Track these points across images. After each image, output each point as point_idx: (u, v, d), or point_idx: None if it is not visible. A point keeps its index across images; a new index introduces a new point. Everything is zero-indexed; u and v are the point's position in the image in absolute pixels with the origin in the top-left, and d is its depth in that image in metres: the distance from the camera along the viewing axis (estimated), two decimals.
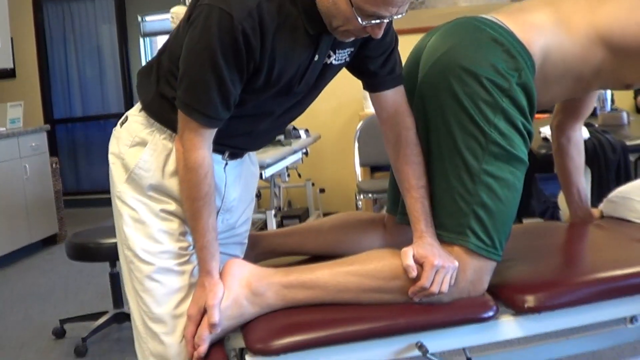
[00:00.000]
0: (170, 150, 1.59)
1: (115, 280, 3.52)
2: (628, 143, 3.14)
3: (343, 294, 1.58)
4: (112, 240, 3.30)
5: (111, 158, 1.65)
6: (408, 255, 1.56)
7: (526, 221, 4.24)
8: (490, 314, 1.60)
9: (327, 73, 1.58)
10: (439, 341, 1.59)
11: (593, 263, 1.78)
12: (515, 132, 1.61)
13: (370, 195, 5.03)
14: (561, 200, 3.86)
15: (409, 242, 1.92)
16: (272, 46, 1.44)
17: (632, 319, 1.74)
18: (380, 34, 1.44)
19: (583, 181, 2.20)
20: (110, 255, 3.33)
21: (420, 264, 1.55)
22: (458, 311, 1.59)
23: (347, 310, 1.58)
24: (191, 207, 1.52)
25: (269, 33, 1.43)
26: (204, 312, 1.53)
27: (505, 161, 1.60)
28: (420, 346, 1.56)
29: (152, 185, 1.58)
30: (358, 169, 5.39)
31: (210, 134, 1.51)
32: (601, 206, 2.25)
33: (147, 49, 8.61)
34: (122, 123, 1.67)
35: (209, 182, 1.51)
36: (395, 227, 1.93)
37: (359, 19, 1.40)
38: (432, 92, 1.65)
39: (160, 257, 1.57)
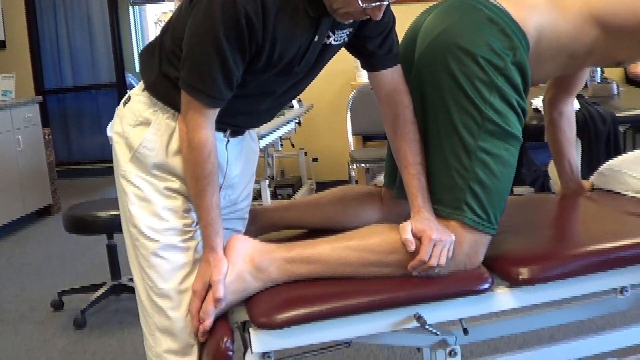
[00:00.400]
0: (173, 129, 1.62)
1: (113, 252, 3.56)
2: (618, 114, 3.19)
3: (344, 267, 1.63)
4: (110, 213, 3.34)
5: (115, 137, 1.68)
6: (406, 229, 1.60)
7: (517, 190, 4.31)
8: (486, 286, 1.65)
9: (326, 53, 1.62)
10: (436, 313, 1.64)
11: (584, 235, 1.83)
12: (510, 109, 1.65)
13: (363, 164, 5.08)
14: (552, 169, 3.92)
15: (406, 215, 1.97)
16: (274, 28, 1.47)
17: (622, 290, 1.80)
18: (380, 15, 1.47)
19: (574, 154, 2.25)
20: (108, 227, 3.38)
21: (418, 238, 1.59)
22: (455, 284, 1.64)
23: (347, 284, 1.63)
24: (195, 185, 1.56)
25: (271, 15, 1.46)
26: (208, 287, 1.57)
27: (501, 138, 1.64)
28: (419, 317, 1.61)
29: (156, 164, 1.62)
30: (350, 138, 5.43)
31: (214, 113, 1.54)
32: (592, 178, 2.29)
33: (137, 18, 8.54)
34: (125, 103, 1.70)
35: (212, 160, 1.55)
36: (392, 201, 1.97)
37: (359, 1, 1.43)
38: (429, 70, 1.69)
39: (165, 234, 1.61)
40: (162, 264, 1.61)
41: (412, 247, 1.59)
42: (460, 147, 1.64)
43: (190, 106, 1.52)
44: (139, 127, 1.64)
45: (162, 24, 5.80)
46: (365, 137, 5.76)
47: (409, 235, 1.59)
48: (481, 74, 1.63)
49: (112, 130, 1.70)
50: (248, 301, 1.63)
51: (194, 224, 1.65)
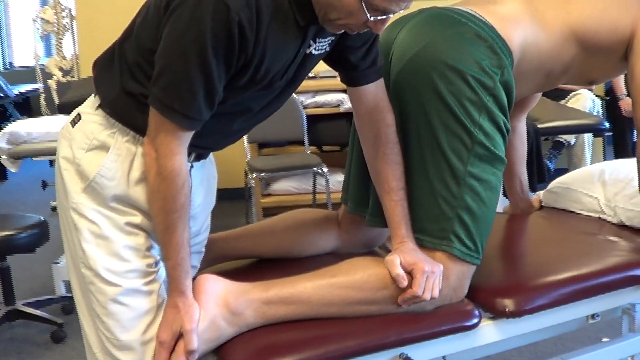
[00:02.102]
0: (134, 154, 1.40)
1: (6, 275, 3.21)
2: (540, 126, 3.20)
3: (327, 308, 1.48)
4: (2, 233, 3.01)
5: (62, 163, 1.44)
6: (396, 263, 1.47)
7: None
8: (475, 321, 1.56)
9: (306, 64, 1.44)
10: (422, 350, 1.53)
11: (561, 262, 1.76)
12: (498, 131, 1.56)
13: (263, 174, 4.91)
14: None
15: (366, 240, 1.86)
16: (265, 40, 1.29)
17: (594, 316, 1.76)
18: (382, 29, 1.33)
19: (525, 172, 2.20)
20: (1, 248, 3.04)
21: (408, 272, 1.47)
22: (444, 321, 1.53)
23: (331, 326, 1.48)
24: (165, 220, 1.35)
25: (264, 25, 1.28)
26: (177, 336, 1.37)
27: (489, 162, 1.55)
28: (406, 358, 1.49)
29: (116, 196, 1.40)
30: (246, 146, 5.24)
31: (188, 137, 1.34)
32: (540, 196, 2.26)
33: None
34: (74, 122, 1.46)
35: (185, 192, 1.35)
36: (352, 226, 1.84)
37: (367, 14, 1.28)
38: (411, 90, 1.56)
39: (127, 277, 1.39)
40: (123, 312, 1.39)
41: (405, 283, 1.46)
42: (448, 172, 1.53)
43: (163, 128, 1.31)
44: (94, 152, 1.41)
45: (42, 21, 5.37)
46: (261, 145, 5.59)
47: (400, 270, 1.46)
48: (470, 93, 1.52)
49: (59, 153, 1.46)
50: (220, 349, 1.44)
51: (156, 263, 1.44)
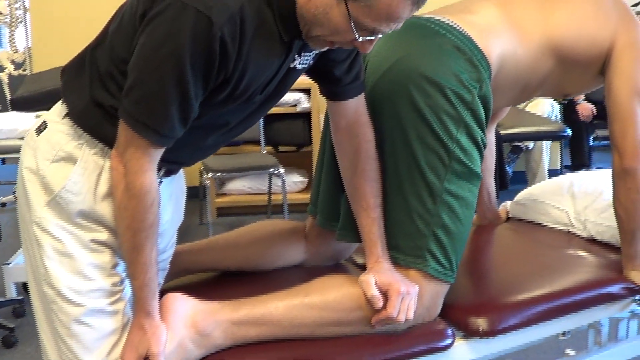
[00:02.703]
0: (101, 168, 1.33)
1: None
2: (502, 132, 3.19)
3: (299, 329, 1.43)
4: None
5: (26, 174, 1.36)
6: (371, 284, 1.43)
7: None
8: (448, 342, 1.52)
9: (289, 78, 1.38)
10: None
11: (533, 277, 1.74)
12: (475, 147, 1.53)
13: (218, 174, 4.83)
14: None
15: (333, 253, 1.82)
16: (247, 56, 1.23)
17: (564, 333, 1.76)
18: (370, 49, 1.27)
19: (493, 183, 2.18)
20: None
21: (383, 292, 1.43)
22: (417, 342, 1.49)
23: (300, 348, 1.43)
24: (132, 238, 1.28)
25: (247, 41, 1.21)
26: (143, 359, 1.31)
27: (466, 179, 1.52)
28: None
29: (82, 212, 1.32)
30: None
31: (159, 153, 1.27)
32: (507, 207, 2.24)
33: None
34: (40, 130, 1.37)
35: (154, 210, 1.28)
36: (319, 239, 1.79)
37: (356, 35, 1.22)
38: (388, 102, 1.52)
39: (91, 297, 1.32)
40: (86, 332, 1.32)
41: (380, 304, 1.42)
42: (424, 188, 1.49)
43: (133, 143, 1.24)
44: (59, 164, 1.33)
45: None
46: None
47: (375, 291, 1.42)
48: (449, 107, 1.48)
49: (22, 163, 1.37)
50: None
51: (121, 281, 1.37)
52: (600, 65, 1.69)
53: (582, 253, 1.88)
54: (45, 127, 1.36)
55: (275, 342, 1.42)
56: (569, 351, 2.20)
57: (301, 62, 1.36)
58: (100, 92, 1.30)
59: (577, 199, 2.05)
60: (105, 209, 1.33)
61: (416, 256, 1.50)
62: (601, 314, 1.76)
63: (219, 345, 1.39)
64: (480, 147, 1.54)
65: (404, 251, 1.51)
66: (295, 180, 4.60)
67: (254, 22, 1.21)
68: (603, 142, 5.54)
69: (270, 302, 1.43)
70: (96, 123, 1.31)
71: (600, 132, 5.39)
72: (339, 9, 1.20)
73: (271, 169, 4.03)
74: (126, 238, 1.29)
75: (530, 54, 1.63)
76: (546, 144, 4.68)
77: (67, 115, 1.35)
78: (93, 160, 1.32)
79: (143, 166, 1.25)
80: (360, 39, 1.23)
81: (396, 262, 1.50)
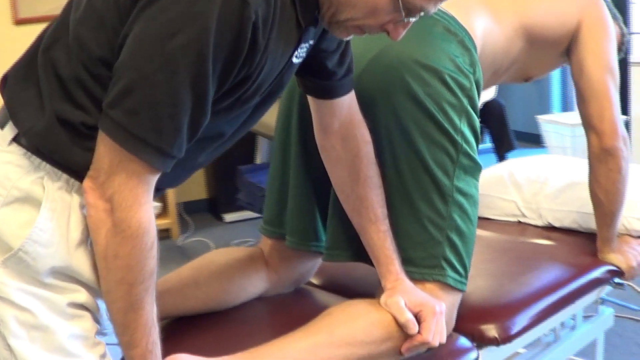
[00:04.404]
0: (69, 207, 1.03)
1: None
2: None
3: None
4: None
5: None
6: (402, 307, 1.24)
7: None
8: (474, 356, 1.37)
9: (286, 75, 1.14)
10: None
11: (521, 275, 1.64)
12: (474, 137, 1.39)
13: None
14: None
15: (297, 277, 1.61)
16: (266, 46, 0.99)
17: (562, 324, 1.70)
18: (402, 34, 1.07)
19: None
20: None
21: (414, 314, 1.25)
22: None
23: None
24: (128, 295, 0.99)
25: (275, 25, 0.98)
26: None
27: (471, 174, 1.38)
28: None
29: (55, 268, 1.01)
30: None
31: (155, 180, 1.00)
32: None
33: None
34: None
35: (154, 254, 1.00)
36: (282, 263, 1.57)
37: (403, 14, 1.02)
38: (380, 95, 1.34)
39: None
40: None
41: (416, 329, 1.24)
42: (433, 189, 1.33)
43: (122, 168, 0.95)
44: (13, 208, 1.00)
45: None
46: None
47: (409, 315, 1.24)
48: (450, 96, 1.33)
49: None
50: None
51: (105, 352, 1.07)
52: (566, 46, 1.63)
53: (550, 242, 1.82)
54: None
55: None
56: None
57: (298, 55, 1.13)
58: (63, 106, 0.98)
59: (522, 188, 1.99)
60: (81, 261, 1.02)
61: (432, 267, 1.33)
62: (588, 300, 1.70)
63: None
64: (478, 137, 1.41)
65: (418, 263, 1.34)
66: None
67: (279, 3, 0.98)
68: None
69: (289, 346, 1.19)
70: (60, 148, 0.99)
71: None
72: None
73: None
74: (118, 296, 1.00)
75: (504, 35, 1.53)
76: None
77: (14, 140, 1.03)
78: (60, 198, 1.02)
79: (139, 198, 0.96)
80: (406, 20, 1.04)
81: (411, 277, 1.33)
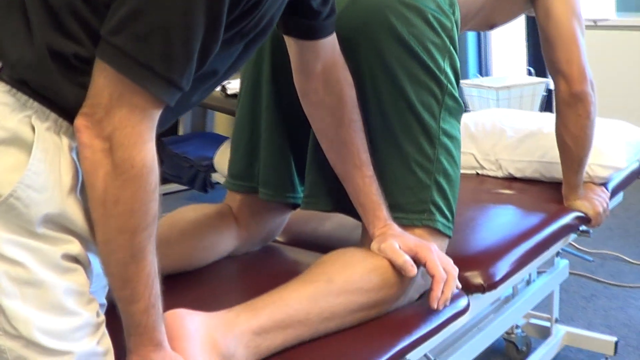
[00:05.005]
0: (60, 149, 0.91)
1: None
2: None
3: (327, 323, 1.13)
4: None
5: None
6: (397, 249, 1.19)
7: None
8: (466, 303, 1.33)
9: (278, 12, 1.05)
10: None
11: (492, 223, 1.64)
12: (456, 78, 1.34)
13: None
14: (219, 161, 3.61)
15: (267, 233, 1.54)
16: None
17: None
18: None
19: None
20: None
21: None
22: (440, 313, 1.27)
23: (330, 347, 1.13)
24: (129, 244, 0.88)
25: None
26: None
27: (455, 116, 1.34)
28: None
29: (49, 216, 0.88)
30: None
31: (158, 116, 0.89)
32: None
33: None
34: None
35: (157, 197, 0.90)
36: (253, 218, 1.48)
37: None
38: (362, 36, 1.27)
39: (77, 338, 0.89)
40: None
41: (415, 271, 1.18)
42: (420, 132, 1.27)
43: (125, 102, 0.84)
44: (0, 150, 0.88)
45: None
46: None
47: (406, 257, 1.18)
48: (433, 36, 1.28)
49: None
50: None
51: (99, 308, 0.96)
52: None
53: (514, 192, 1.81)
54: None
55: (298, 346, 1.11)
56: None
57: None
58: (54, 37, 0.86)
59: (478, 140, 1.96)
60: (74, 208, 0.91)
61: (421, 212, 1.28)
62: (558, 247, 1.70)
63: None
64: (459, 78, 1.36)
65: (407, 208, 1.28)
66: None
67: None
68: None
69: (290, 296, 1.11)
70: (50, 82, 0.87)
71: None
72: None
73: None
74: (119, 245, 0.89)
75: None
76: None
77: None
78: (50, 139, 0.90)
79: (143, 135, 0.86)
80: None
81: (399, 223, 1.27)
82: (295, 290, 1.12)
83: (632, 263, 2.74)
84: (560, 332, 2.10)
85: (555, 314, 2.08)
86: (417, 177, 1.27)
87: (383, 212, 1.25)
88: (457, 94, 1.32)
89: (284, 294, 1.11)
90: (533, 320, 2.17)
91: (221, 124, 4.44)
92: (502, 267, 1.43)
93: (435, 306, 1.16)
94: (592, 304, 2.45)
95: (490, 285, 1.39)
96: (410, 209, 1.28)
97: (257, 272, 1.43)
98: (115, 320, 0.94)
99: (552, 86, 1.87)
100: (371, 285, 1.17)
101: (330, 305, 1.12)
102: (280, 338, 1.08)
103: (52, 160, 0.89)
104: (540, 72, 3.96)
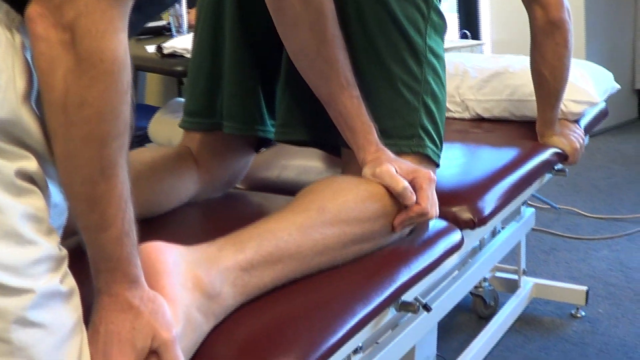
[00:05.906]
0: (13, 47, 0.74)
1: None
2: None
3: (320, 257, 0.99)
4: None
5: None
6: (394, 174, 1.06)
7: None
8: (459, 238, 1.23)
9: None
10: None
11: (472, 162, 1.56)
12: None
13: None
14: (153, 129, 3.43)
15: (230, 176, 1.40)
16: None
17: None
18: None
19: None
20: None
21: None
22: (438, 247, 1.16)
23: (328, 286, 1.00)
24: (98, 156, 0.73)
25: None
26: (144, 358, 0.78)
27: (440, 33, 1.25)
28: (425, 306, 1.13)
29: (2, 122, 0.72)
30: None
31: (130, 4, 0.74)
32: None
33: None
34: None
35: (129, 100, 0.75)
36: (214, 160, 1.34)
37: None
38: None
39: (37, 272, 0.73)
40: (41, 339, 0.72)
41: (414, 198, 1.06)
42: (406, 49, 1.16)
43: None
44: None
45: None
46: None
47: (406, 183, 1.06)
48: None
49: None
50: None
51: (59, 241, 0.80)
52: None
53: (485, 132, 1.72)
54: None
55: (288, 286, 0.97)
56: None
57: None
58: None
59: None
60: (29, 118, 0.75)
61: (410, 137, 1.17)
62: (534, 188, 1.61)
63: (229, 306, 0.89)
64: None
65: (394, 133, 1.17)
66: None
67: None
68: None
69: (278, 227, 0.97)
70: None
71: None
72: None
73: None
74: (85, 159, 0.73)
75: None
76: None
77: None
78: (3, 33, 0.73)
79: (114, 22, 0.71)
80: None
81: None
82: (284, 220, 0.98)
83: (588, 216, 2.70)
84: (529, 284, 2.03)
85: (523, 265, 2.01)
86: (405, 99, 1.16)
87: (374, 135, 1.12)
88: (441, 9, 1.21)
89: (271, 224, 0.97)
90: (499, 274, 2.09)
91: (152, 94, 4.24)
92: (489, 201, 1.34)
93: (397, 226, 1.06)
94: (553, 257, 2.40)
95: (480, 220, 1.29)
96: (398, 134, 1.16)
97: (224, 217, 1.29)
98: (78, 261, 0.79)
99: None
100: (367, 215, 1.04)
101: (323, 237, 0.99)
102: (269, 275, 0.94)
103: (4, 57, 0.72)
104: (474, 36, 3.93)
